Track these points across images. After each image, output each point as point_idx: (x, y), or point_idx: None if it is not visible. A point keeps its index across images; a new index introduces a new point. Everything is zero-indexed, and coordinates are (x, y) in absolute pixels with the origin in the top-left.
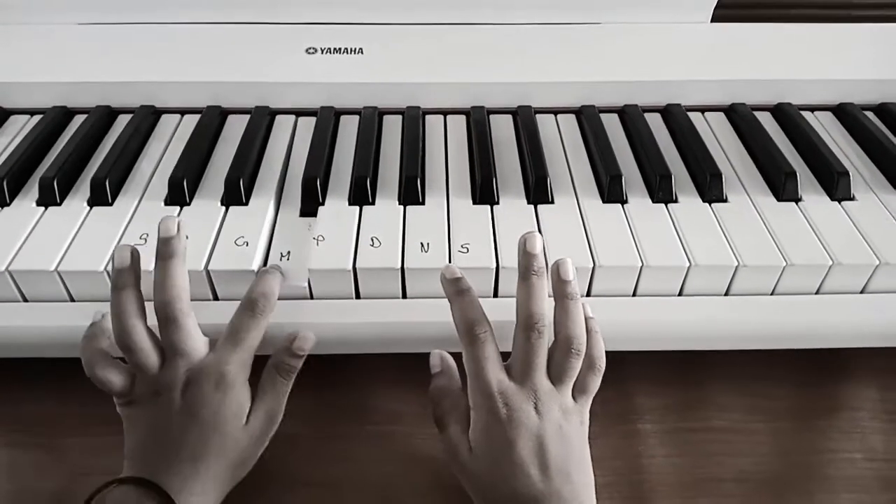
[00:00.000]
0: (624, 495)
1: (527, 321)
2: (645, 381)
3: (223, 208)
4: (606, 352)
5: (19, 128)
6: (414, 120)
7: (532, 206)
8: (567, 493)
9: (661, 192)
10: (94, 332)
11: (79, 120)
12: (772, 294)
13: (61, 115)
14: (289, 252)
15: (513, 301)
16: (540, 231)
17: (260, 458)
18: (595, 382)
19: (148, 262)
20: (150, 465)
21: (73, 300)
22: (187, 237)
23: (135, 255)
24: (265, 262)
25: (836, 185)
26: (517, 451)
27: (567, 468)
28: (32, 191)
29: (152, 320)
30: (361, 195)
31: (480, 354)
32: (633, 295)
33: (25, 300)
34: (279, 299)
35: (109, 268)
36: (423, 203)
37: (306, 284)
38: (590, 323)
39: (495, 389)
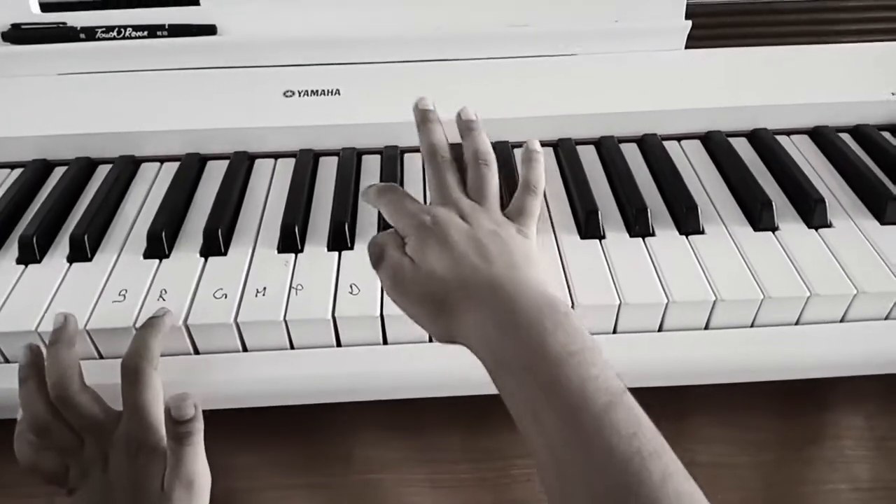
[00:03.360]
0: None
1: (429, 152)
2: None
3: (202, 259)
4: None
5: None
6: (392, 160)
7: None
8: (517, 275)
9: (637, 225)
10: (23, 427)
11: (59, 172)
12: (751, 326)
13: (41, 168)
14: (265, 288)
15: None
16: None
17: None
18: (532, 203)
19: (126, 319)
20: None
21: None
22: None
23: (34, 350)
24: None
25: (812, 212)
26: (453, 244)
27: (510, 258)
28: (12, 248)
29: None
30: (340, 241)
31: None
32: (614, 332)
33: (7, 361)
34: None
35: (90, 326)
36: None
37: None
38: (530, 153)
39: (421, 210)
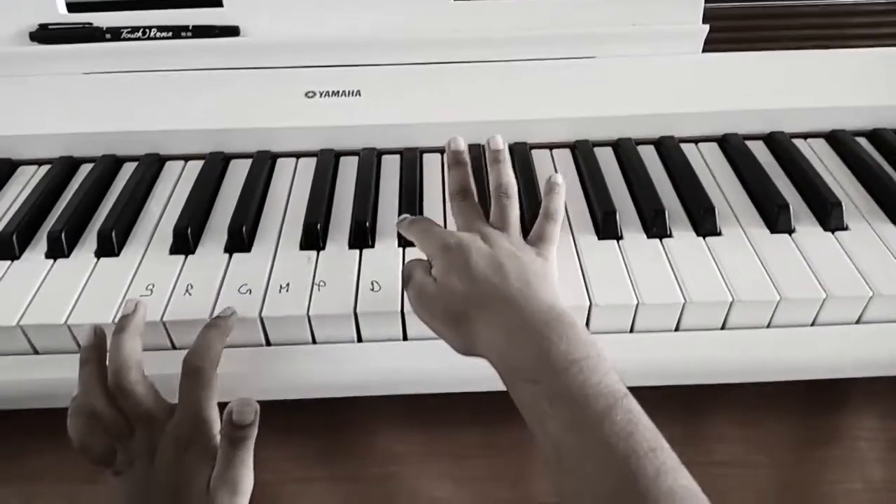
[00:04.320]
0: None
1: (458, 192)
2: None
3: (227, 255)
4: None
5: (28, 179)
6: (411, 161)
7: None
8: (529, 292)
9: (655, 227)
10: (76, 407)
11: (85, 169)
12: (768, 327)
13: (68, 166)
14: (287, 284)
15: None
16: None
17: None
18: (552, 230)
19: (154, 313)
20: None
21: None
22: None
23: (98, 332)
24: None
25: (829, 215)
26: (473, 265)
27: (525, 276)
28: (41, 243)
29: None
30: (361, 239)
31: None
32: (631, 331)
33: (37, 353)
34: (286, 344)
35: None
36: None
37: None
38: (552, 185)
39: (446, 234)
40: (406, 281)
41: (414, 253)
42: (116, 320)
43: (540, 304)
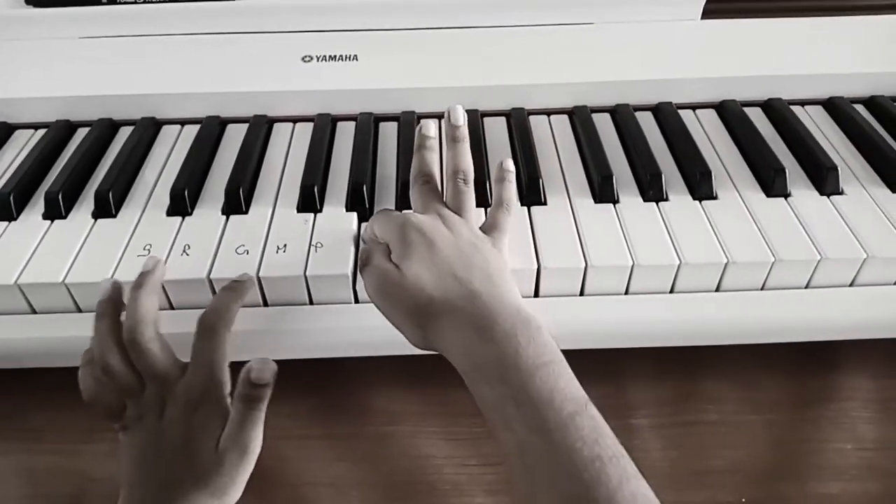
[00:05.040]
0: None
1: (417, 176)
2: (639, 377)
3: (224, 217)
4: (601, 350)
5: (24, 142)
6: (409, 125)
7: (525, 208)
8: (496, 291)
9: (651, 190)
10: (89, 359)
11: (82, 133)
12: (762, 289)
13: (65, 129)
14: (285, 245)
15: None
16: (533, 233)
17: (262, 459)
18: (505, 220)
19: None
20: (134, 492)
21: (80, 311)
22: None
23: (115, 287)
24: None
25: (825, 179)
26: (438, 252)
27: (488, 272)
28: (38, 204)
29: None
30: (358, 201)
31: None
32: (626, 293)
33: (35, 312)
34: (282, 305)
35: (116, 278)
36: None
37: (303, 274)
38: (503, 172)
39: (407, 216)
40: (363, 264)
41: None
42: (135, 276)
43: (507, 306)
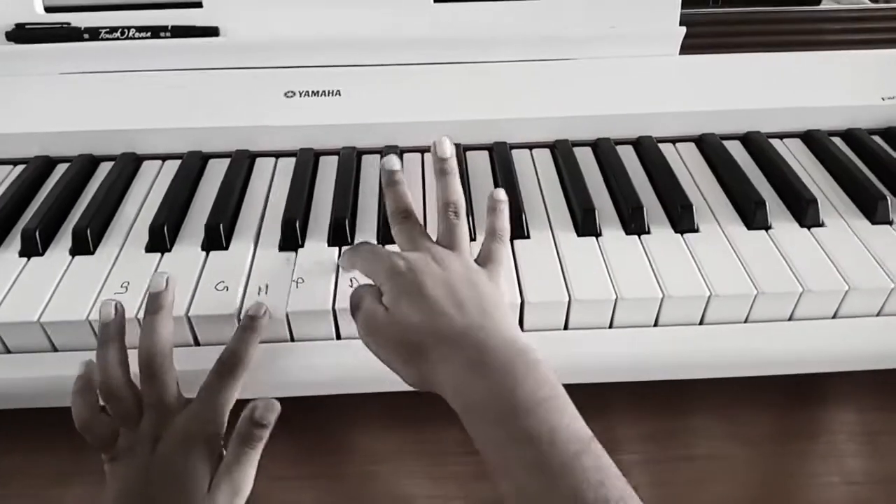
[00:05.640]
0: None
1: (395, 213)
2: (626, 412)
3: (204, 253)
4: (587, 384)
5: (3, 178)
6: None
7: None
8: (489, 324)
9: (633, 223)
10: (83, 385)
11: (61, 169)
12: (745, 322)
13: (44, 165)
14: (266, 286)
15: None
16: (516, 266)
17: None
18: (499, 250)
19: (129, 311)
20: None
21: (56, 350)
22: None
23: (119, 310)
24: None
25: (805, 212)
26: (428, 292)
27: (482, 305)
28: (15, 242)
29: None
30: (340, 236)
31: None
32: (610, 327)
33: (9, 351)
34: (262, 343)
35: (93, 317)
36: None
37: (284, 315)
38: (495, 202)
39: (395, 255)
40: (355, 308)
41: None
42: (147, 299)
43: (501, 338)
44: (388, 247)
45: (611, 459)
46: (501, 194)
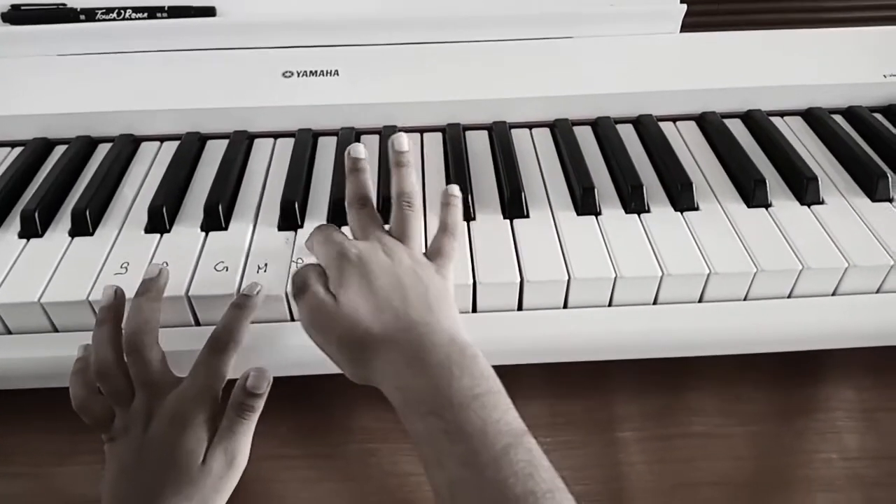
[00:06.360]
0: (604, 503)
1: (354, 199)
2: (625, 390)
3: (203, 234)
4: (587, 362)
5: (1, 160)
6: None
7: (508, 221)
8: (432, 319)
9: (633, 202)
10: (81, 367)
11: (60, 150)
12: (745, 299)
13: (42, 147)
14: (266, 265)
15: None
16: (515, 245)
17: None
18: (450, 245)
19: (128, 291)
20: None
21: (56, 331)
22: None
23: (118, 294)
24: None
25: (805, 190)
26: (376, 284)
27: (427, 299)
28: (14, 223)
29: None
30: (339, 216)
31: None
32: (609, 305)
33: (9, 332)
34: (261, 322)
35: (92, 297)
36: None
37: (284, 294)
38: (448, 197)
39: (346, 242)
40: (298, 291)
41: None
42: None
43: (442, 335)
44: (344, 229)
45: (543, 453)
46: (455, 190)
